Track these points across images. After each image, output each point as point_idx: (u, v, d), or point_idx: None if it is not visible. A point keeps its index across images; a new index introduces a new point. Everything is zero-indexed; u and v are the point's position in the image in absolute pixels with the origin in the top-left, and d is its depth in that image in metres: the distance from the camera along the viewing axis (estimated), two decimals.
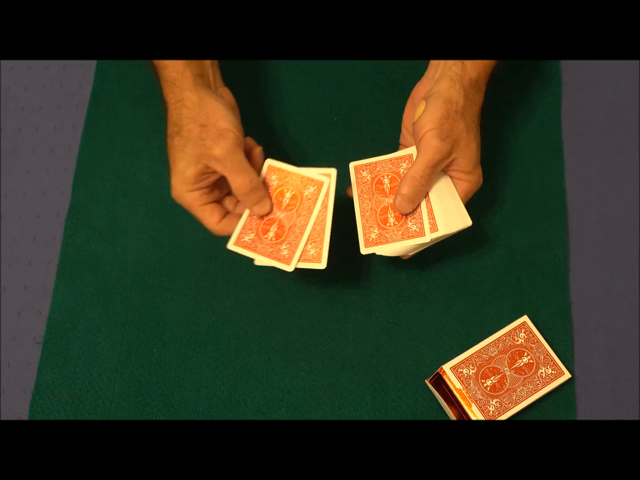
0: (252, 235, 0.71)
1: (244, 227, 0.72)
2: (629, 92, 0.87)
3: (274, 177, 0.73)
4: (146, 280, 0.79)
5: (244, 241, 0.71)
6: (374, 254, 0.71)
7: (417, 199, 0.71)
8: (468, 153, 0.72)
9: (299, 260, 0.70)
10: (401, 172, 0.73)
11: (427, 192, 0.72)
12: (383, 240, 0.71)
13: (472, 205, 0.82)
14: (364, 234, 0.72)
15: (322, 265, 0.69)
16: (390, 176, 0.73)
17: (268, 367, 0.76)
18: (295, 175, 0.72)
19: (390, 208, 0.72)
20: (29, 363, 0.77)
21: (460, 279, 0.79)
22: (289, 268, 0.69)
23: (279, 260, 0.70)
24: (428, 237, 0.70)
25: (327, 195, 0.71)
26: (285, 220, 0.72)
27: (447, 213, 0.71)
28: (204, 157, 0.69)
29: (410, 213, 0.72)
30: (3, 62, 0.90)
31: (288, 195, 0.72)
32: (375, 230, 0.72)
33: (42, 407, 0.75)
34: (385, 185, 0.73)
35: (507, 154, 0.84)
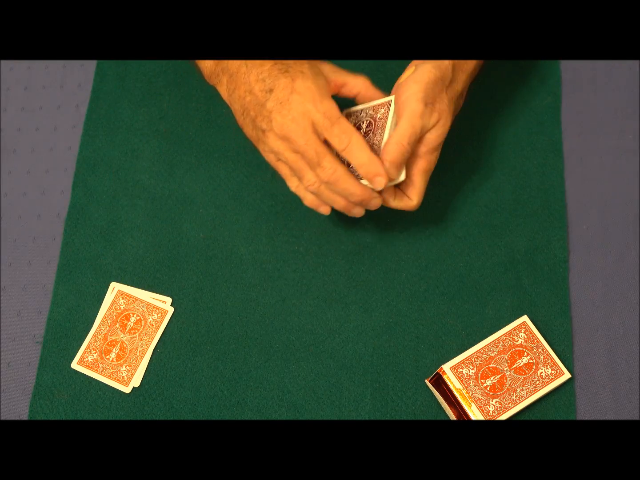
0: (95, 355, 0.76)
1: (87, 347, 0.76)
2: (629, 92, 0.87)
3: (122, 301, 0.77)
4: (146, 280, 0.79)
5: (87, 361, 0.76)
6: None
7: (404, 163, 0.71)
8: (441, 127, 0.72)
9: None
10: (378, 117, 0.73)
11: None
12: None
13: (472, 205, 0.82)
14: None
15: (128, 389, 0.75)
16: (367, 121, 0.74)
17: (268, 367, 0.76)
18: (142, 302, 0.77)
19: None
20: (29, 363, 0.77)
21: (460, 279, 0.79)
22: (127, 389, 0.75)
23: (117, 381, 0.75)
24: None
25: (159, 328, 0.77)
26: (128, 342, 0.76)
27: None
28: (330, 71, 0.72)
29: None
30: (3, 62, 0.90)
31: (133, 319, 0.77)
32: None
33: (42, 407, 0.75)
34: (362, 131, 0.74)
35: (507, 154, 0.84)
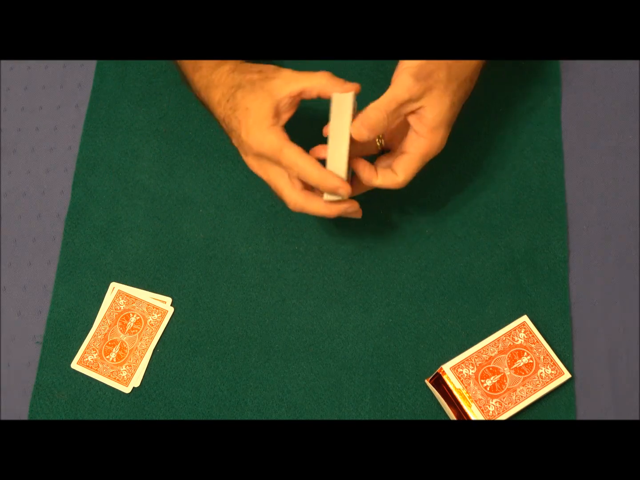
0: (95, 355, 0.76)
1: (87, 347, 0.76)
2: (629, 92, 0.87)
3: (122, 301, 0.78)
4: (146, 280, 0.79)
5: (87, 361, 0.76)
6: None
7: (376, 129, 0.69)
8: (438, 106, 0.69)
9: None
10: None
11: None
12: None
13: (472, 204, 0.82)
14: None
15: (128, 389, 0.75)
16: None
17: (268, 367, 0.76)
18: (142, 302, 0.77)
19: None
20: (29, 363, 0.77)
21: (460, 279, 0.79)
22: (127, 389, 0.75)
23: (117, 381, 0.75)
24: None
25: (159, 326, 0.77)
26: (128, 342, 0.76)
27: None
28: (282, 86, 0.70)
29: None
30: (3, 62, 0.90)
31: (133, 319, 0.77)
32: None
33: (41, 407, 0.75)
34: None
35: (507, 154, 0.84)
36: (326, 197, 0.70)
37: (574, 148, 0.85)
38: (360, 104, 0.89)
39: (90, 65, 0.90)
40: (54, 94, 0.89)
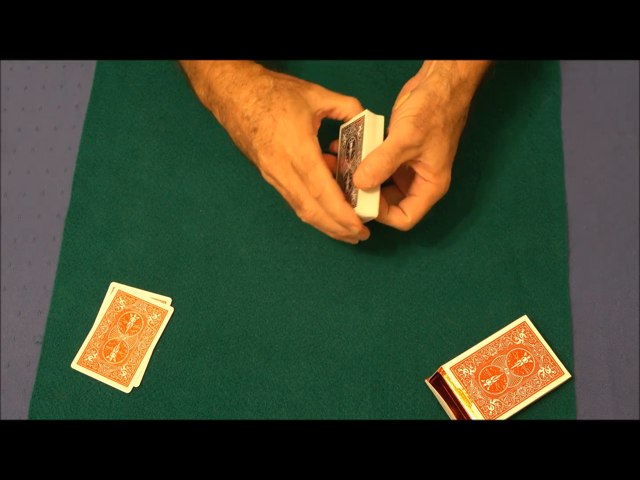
0: (95, 355, 0.76)
1: (87, 347, 0.76)
2: (629, 92, 0.87)
3: (122, 301, 0.77)
4: (146, 280, 0.79)
5: (87, 361, 0.76)
6: None
7: (379, 175, 0.69)
8: (439, 150, 0.70)
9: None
10: (358, 135, 0.72)
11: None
12: None
13: (472, 204, 0.82)
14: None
15: (128, 389, 0.75)
16: (352, 140, 0.73)
17: (268, 367, 0.76)
18: (142, 302, 0.77)
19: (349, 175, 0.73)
20: (29, 363, 0.77)
21: (460, 279, 0.79)
22: (127, 389, 0.75)
23: (117, 381, 0.75)
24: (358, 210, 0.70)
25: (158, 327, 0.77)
26: (128, 342, 0.76)
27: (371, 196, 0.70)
28: (318, 98, 0.71)
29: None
30: (3, 62, 0.90)
31: (133, 319, 0.77)
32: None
33: (41, 407, 0.75)
34: (350, 151, 0.73)
35: (507, 154, 0.84)
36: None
37: (574, 148, 0.85)
38: (361, 103, 0.89)
39: (90, 65, 0.90)
40: (54, 94, 0.89)
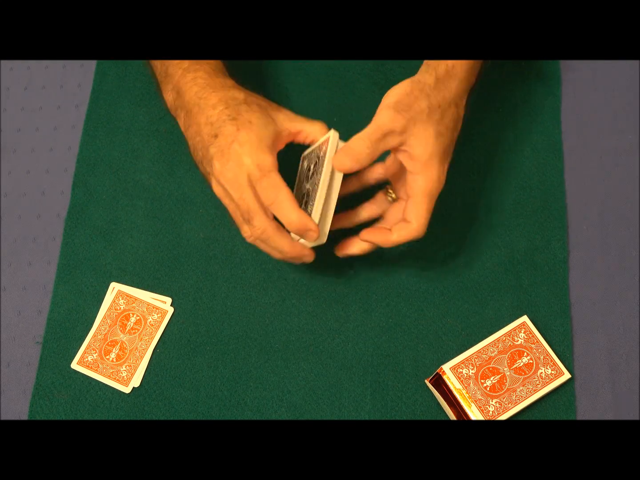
0: (95, 355, 0.76)
1: (87, 347, 0.76)
2: (629, 92, 0.87)
3: (121, 301, 0.77)
4: (146, 280, 0.79)
5: (87, 361, 0.76)
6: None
7: (360, 160, 0.67)
8: (424, 137, 0.68)
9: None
10: (320, 155, 0.71)
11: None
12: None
13: (472, 204, 0.82)
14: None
15: (128, 389, 0.75)
16: (314, 161, 0.72)
17: (268, 367, 0.76)
18: (142, 302, 0.77)
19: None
20: (29, 363, 0.77)
21: (460, 279, 0.79)
22: (127, 389, 0.75)
23: (117, 381, 0.75)
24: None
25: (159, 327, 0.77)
26: (128, 342, 0.76)
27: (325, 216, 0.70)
28: (286, 120, 0.70)
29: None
30: (3, 62, 0.90)
31: (133, 319, 0.77)
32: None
33: (41, 407, 0.75)
34: (310, 171, 0.72)
35: (507, 154, 0.84)
36: (294, 236, 0.70)
37: (574, 148, 0.85)
38: (361, 103, 0.89)
39: (90, 65, 0.90)
40: (54, 94, 0.89)
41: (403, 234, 0.70)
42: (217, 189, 0.70)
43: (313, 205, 0.69)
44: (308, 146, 0.74)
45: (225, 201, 0.71)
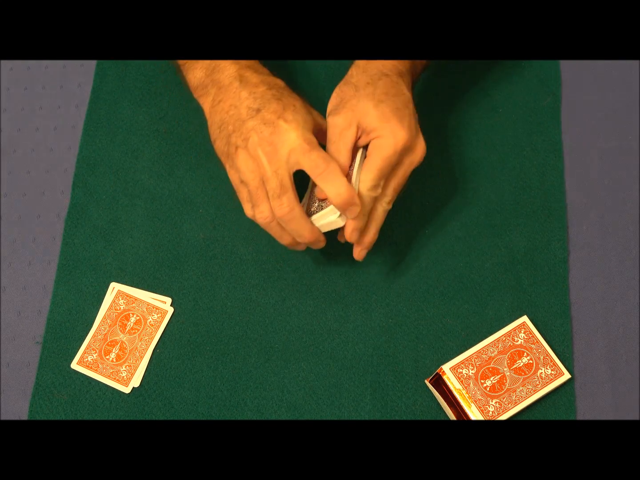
0: (95, 355, 0.76)
1: (87, 347, 0.76)
2: (629, 92, 0.87)
3: (121, 301, 0.77)
4: (146, 280, 0.79)
5: (87, 361, 0.76)
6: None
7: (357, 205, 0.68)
8: (364, 111, 0.68)
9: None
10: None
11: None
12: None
13: (472, 204, 0.82)
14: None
15: (128, 389, 0.75)
16: None
17: (268, 367, 0.76)
18: (142, 302, 0.77)
19: None
20: (28, 363, 0.77)
21: (460, 279, 0.79)
22: (127, 389, 0.75)
23: (117, 381, 0.75)
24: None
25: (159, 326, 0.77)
26: (128, 343, 0.76)
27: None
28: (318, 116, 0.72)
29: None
30: (3, 62, 0.90)
31: (133, 319, 0.77)
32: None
33: (41, 407, 0.75)
34: None
35: (507, 154, 0.84)
36: (316, 220, 0.71)
37: (574, 148, 0.85)
38: None
39: (90, 65, 0.90)
40: (54, 94, 0.89)
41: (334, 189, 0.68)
42: (244, 163, 0.69)
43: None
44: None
45: (249, 176, 0.69)
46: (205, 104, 0.74)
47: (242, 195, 0.72)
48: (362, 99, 0.69)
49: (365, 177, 0.69)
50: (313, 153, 0.67)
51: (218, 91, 0.72)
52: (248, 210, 0.72)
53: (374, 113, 0.69)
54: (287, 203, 0.68)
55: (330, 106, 0.71)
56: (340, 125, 0.70)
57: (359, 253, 0.74)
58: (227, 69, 0.72)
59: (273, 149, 0.67)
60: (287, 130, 0.67)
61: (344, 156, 0.69)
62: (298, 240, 0.71)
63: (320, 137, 0.72)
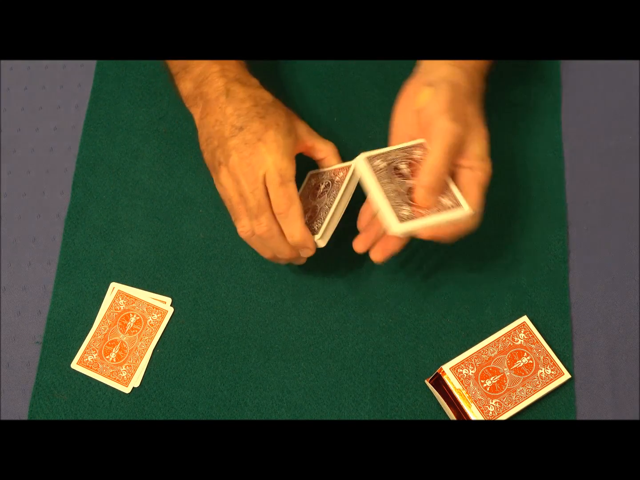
0: (95, 355, 0.76)
1: (87, 347, 0.76)
2: (629, 92, 0.87)
3: (121, 301, 0.78)
4: (146, 280, 0.79)
5: (87, 361, 0.76)
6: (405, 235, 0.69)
7: (439, 189, 0.68)
8: (480, 138, 0.69)
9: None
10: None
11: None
12: (418, 216, 0.67)
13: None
14: (395, 213, 0.67)
15: (128, 389, 0.75)
16: (407, 162, 0.70)
17: (268, 367, 0.76)
18: (142, 302, 0.77)
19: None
20: (29, 363, 0.77)
21: (460, 279, 0.79)
22: (127, 389, 0.75)
23: (117, 381, 0.75)
24: (466, 208, 0.68)
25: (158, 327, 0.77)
26: (128, 343, 0.76)
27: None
28: (304, 132, 0.73)
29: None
30: (3, 62, 0.90)
31: (133, 319, 0.77)
32: (407, 208, 0.68)
33: (41, 407, 0.75)
34: (403, 170, 0.70)
35: (507, 154, 0.84)
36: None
37: (574, 148, 0.85)
38: (361, 103, 0.89)
39: (90, 65, 0.90)
40: (54, 94, 0.89)
41: (456, 217, 0.69)
42: (225, 180, 0.70)
43: (321, 224, 0.71)
44: (313, 161, 0.76)
45: (230, 193, 0.71)
46: (195, 114, 0.75)
47: (227, 206, 0.73)
48: (482, 125, 0.70)
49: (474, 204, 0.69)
50: (280, 189, 0.68)
51: (205, 104, 0.73)
52: (234, 221, 0.73)
53: (486, 144, 0.70)
54: (265, 222, 0.69)
55: (443, 104, 0.68)
56: (455, 139, 0.68)
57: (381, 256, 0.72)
58: (215, 82, 0.73)
59: (251, 170, 0.69)
60: (264, 153, 0.68)
61: (438, 159, 0.67)
62: (278, 256, 0.72)
63: (306, 152, 0.75)
